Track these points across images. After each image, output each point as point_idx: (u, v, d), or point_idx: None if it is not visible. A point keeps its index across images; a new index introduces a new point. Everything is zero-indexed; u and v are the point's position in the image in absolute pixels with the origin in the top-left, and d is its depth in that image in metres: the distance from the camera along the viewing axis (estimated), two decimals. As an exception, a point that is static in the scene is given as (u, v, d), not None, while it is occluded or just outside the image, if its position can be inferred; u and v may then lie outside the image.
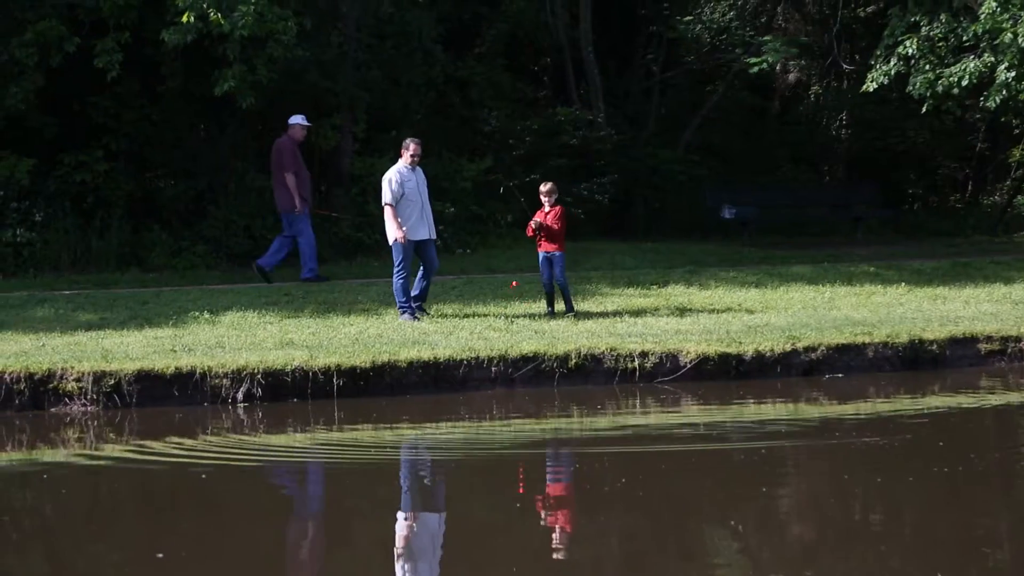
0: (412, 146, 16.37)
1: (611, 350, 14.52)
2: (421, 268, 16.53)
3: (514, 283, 17.72)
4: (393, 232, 16.11)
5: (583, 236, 24.63)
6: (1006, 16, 19.21)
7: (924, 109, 21.27)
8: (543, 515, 9.91)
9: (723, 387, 14.19)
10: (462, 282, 18.97)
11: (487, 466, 11.65)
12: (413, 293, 16.43)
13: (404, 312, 16.24)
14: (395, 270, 16.22)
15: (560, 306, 16.71)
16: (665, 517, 9.88)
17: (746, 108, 30.75)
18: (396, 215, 16.09)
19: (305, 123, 20.03)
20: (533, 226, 16.69)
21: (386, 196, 16.15)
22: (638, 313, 16.67)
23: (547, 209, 16.76)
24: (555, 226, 16.62)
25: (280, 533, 9.56)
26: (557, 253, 16.61)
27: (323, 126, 22.76)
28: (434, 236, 16.66)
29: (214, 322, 16.26)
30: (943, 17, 20.24)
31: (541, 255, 16.73)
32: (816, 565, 8.67)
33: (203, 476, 11.10)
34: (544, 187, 16.96)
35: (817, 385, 14.42)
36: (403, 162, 16.32)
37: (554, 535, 9.36)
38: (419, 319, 16.16)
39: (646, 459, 11.56)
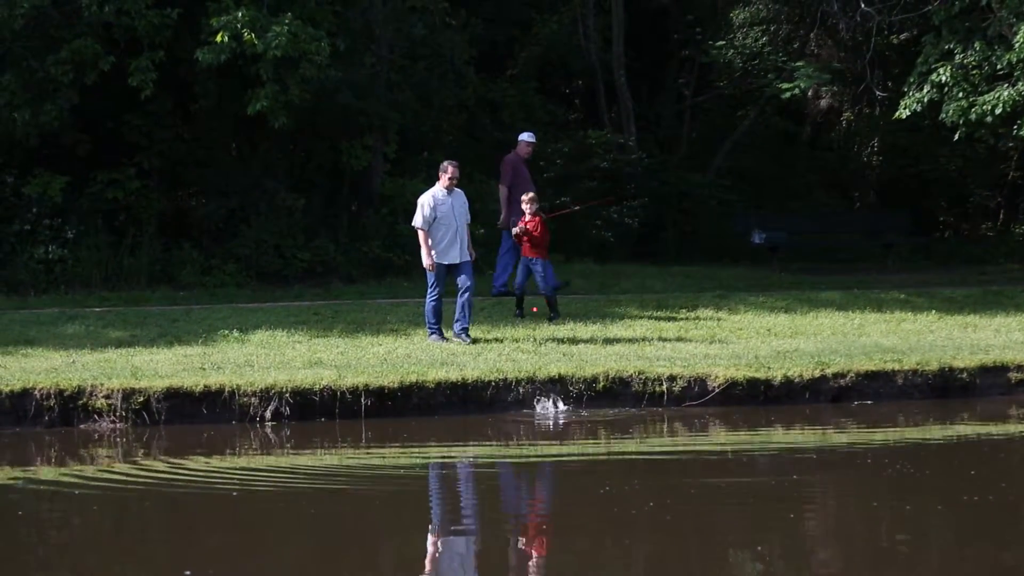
0: (451, 169, 16.24)
1: (639, 373, 14.49)
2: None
3: (535, 308, 17.73)
4: (424, 258, 16.05)
5: (612, 259, 24.64)
6: (1040, 45, 19.17)
7: (956, 137, 21.20)
8: (568, 538, 9.89)
9: (751, 412, 14.14)
10: (491, 303, 18.95)
11: (516, 487, 11.65)
12: (456, 318, 16.16)
13: (432, 333, 16.19)
14: (428, 291, 16.16)
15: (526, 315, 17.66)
16: (693, 543, 9.84)
17: (777, 133, 30.73)
18: (427, 239, 16.00)
19: (530, 139, 20.05)
20: (518, 230, 17.36)
21: (417, 220, 16.10)
22: (667, 337, 16.64)
23: (527, 217, 17.35)
24: (535, 232, 17.18)
25: (308, 553, 9.55)
26: (537, 260, 17.20)
27: (354, 147, 22.83)
28: (467, 258, 16.29)
29: (243, 340, 16.30)
30: (977, 45, 20.18)
31: (522, 260, 17.49)
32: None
33: (233, 494, 11.12)
34: (526, 196, 17.59)
35: (846, 412, 14.35)
36: (440, 185, 16.22)
37: (579, 559, 9.33)
38: (448, 340, 16.05)
39: (674, 484, 11.53)
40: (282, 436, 13.38)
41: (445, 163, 16.44)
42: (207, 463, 12.37)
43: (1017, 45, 19.36)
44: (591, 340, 16.32)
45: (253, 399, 13.78)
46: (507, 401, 14.25)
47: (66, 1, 20.26)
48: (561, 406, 14.18)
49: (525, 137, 19.90)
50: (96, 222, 21.64)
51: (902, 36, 27.72)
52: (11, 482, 11.69)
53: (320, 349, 15.76)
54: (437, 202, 16.09)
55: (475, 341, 16.16)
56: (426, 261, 15.98)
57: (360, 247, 22.56)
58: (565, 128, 28.98)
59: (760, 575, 8.96)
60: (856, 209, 31.25)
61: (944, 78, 20.28)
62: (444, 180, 16.19)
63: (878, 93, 26.23)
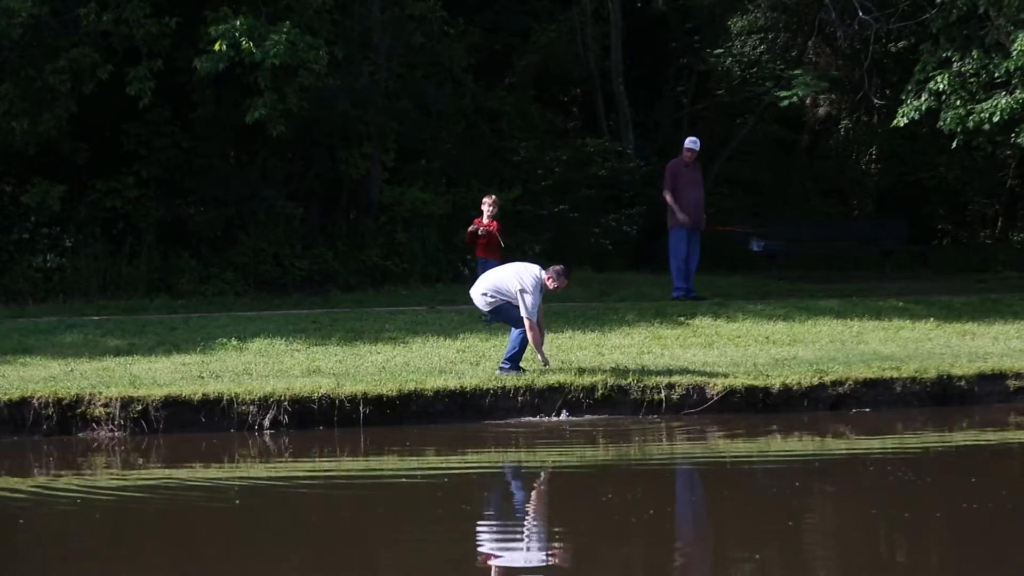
0: (564, 280, 14.72)
1: (637, 381, 14.50)
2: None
3: None
4: (540, 357, 14.70)
5: (611, 267, 24.63)
6: (1038, 53, 19.17)
7: (954, 144, 21.20)
8: (568, 545, 9.88)
9: (750, 420, 14.15)
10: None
11: (516, 494, 11.67)
12: (514, 351, 14.83)
13: (503, 368, 14.81)
14: (516, 329, 14.68)
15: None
16: (692, 551, 9.84)
17: (775, 141, 30.75)
18: (538, 334, 14.58)
19: (689, 145, 20.55)
20: (479, 231, 17.95)
21: (529, 308, 14.35)
22: (665, 344, 16.65)
23: (485, 221, 17.94)
24: (494, 234, 17.89)
25: (307, 562, 9.54)
26: (489, 261, 17.47)
27: (352, 155, 22.84)
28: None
29: (242, 349, 16.30)
30: (975, 53, 20.19)
31: (480, 262, 17.83)
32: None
33: (236, 502, 11.13)
34: (488, 199, 18.27)
35: (844, 419, 14.36)
36: (548, 282, 14.57)
37: (576, 567, 9.32)
38: (525, 371, 14.80)
39: (673, 492, 11.54)
40: (280, 444, 13.38)
41: (562, 270, 14.72)
42: (206, 472, 12.39)
43: (1015, 53, 19.36)
44: (589, 348, 16.33)
45: (251, 407, 13.78)
46: (506, 409, 14.27)
47: (64, 10, 20.25)
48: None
49: (685, 143, 20.62)
50: (94, 230, 21.62)
51: (900, 44, 27.75)
52: (10, 490, 11.68)
53: (318, 357, 15.76)
54: (535, 300, 14.49)
55: (469, 345, 16.22)
56: (544, 364, 14.73)
57: (358, 255, 22.56)
58: (563, 136, 29.02)
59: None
60: (854, 217, 31.27)
61: (942, 86, 20.28)
62: (551, 283, 14.59)
63: (876, 101, 26.26)
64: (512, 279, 14.54)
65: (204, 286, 21.41)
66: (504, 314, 14.75)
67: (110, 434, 13.57)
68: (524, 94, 27.90)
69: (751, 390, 14.53)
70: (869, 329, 17.89)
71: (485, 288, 14.76)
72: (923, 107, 20.65)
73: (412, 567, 9.44)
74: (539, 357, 14.65)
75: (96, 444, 13.40)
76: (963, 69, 20.35)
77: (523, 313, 14.37)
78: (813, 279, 24.33)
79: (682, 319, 18.32)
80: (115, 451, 13.18)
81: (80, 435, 13.60)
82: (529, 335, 14.45)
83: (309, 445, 13.27)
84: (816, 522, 10.67)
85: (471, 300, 15.27)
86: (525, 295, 14.37)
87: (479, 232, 17.93)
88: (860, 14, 23.47)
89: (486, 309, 14.90)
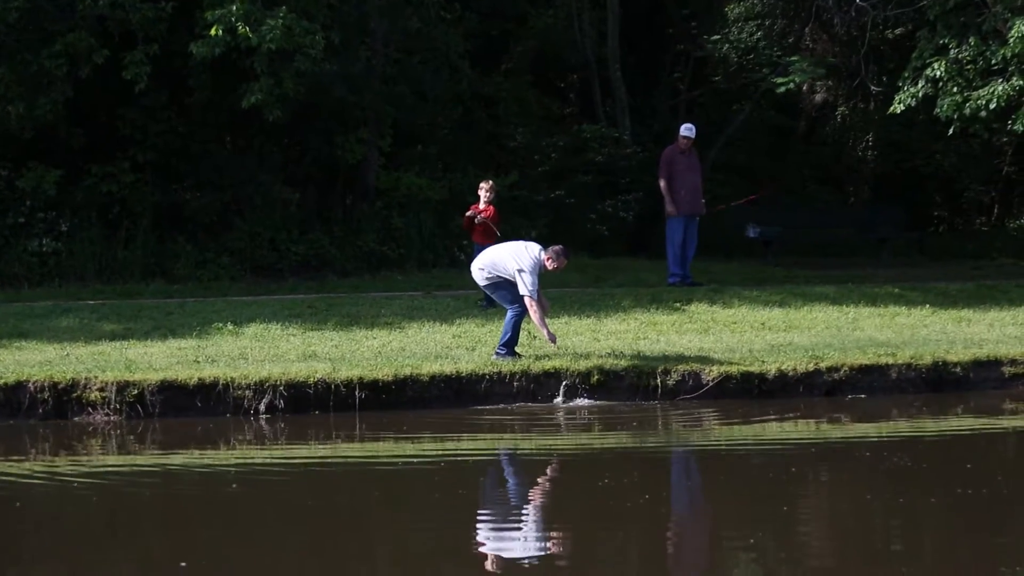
0: (563, 261, 14.57)
1: (633, 367, 14.51)
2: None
3: None
4: (545, 338, 14.61)
5: (607, 253, 24.63)
6: (1035, 40, 19.16)
7: (951, 131, 21.20)
8: (564, 530, 9.89)
9: (745, 406, 14.16)
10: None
11: (511, 479, 11.68)
12: (508, 336, 14.79)
13: (500, 354, 14.79)
14: (513, 309, 14.66)
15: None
16: (688, 536, 9.86)
17: (772, 128, 30.75)
18: (539, 311, 14.43)
19: (684, 132, 20.57)
20: (476, 218, 17.99)
21: (528, 286, 14.29)
22: (661, 330, 16.65)
23: (482, 206, 18.05)
24: (490, 220, 17.91)
25: (304, 545, 9.55)
26: (487, 246, 17.15)
27: (349, 140, 22.82)
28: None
29: (237, 334, 16.30)
30: (972, 40, 20.18)
31: (476, 247, 17.60)
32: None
33: (233, 486, 11.14)
34: (485, 184, 18.39)
35: (840, 405, 14.37)
36: (546, 261, 14.47)
37: (572, 552, 9.33)
38: (520, 355, 14.85)
39: (670, 477, 11.54)
40: (276, 429, 13.39)
41: (561, 251, 14.61)
42: (201, 456, 12.40)
43: (1011, 40, 19.35)
44: (585, 333, 16.33)
45: (247, 392, 13.79)
46: (502, 394, 14.28)
47: (61, -6, 20.25)
48: None
49: (681, 130, 20.62)
50: (90, 215, 21.61)
51: (897, 31, 27.72)
52: (6, 474, 11.69)
53: (314, 342, 15.77)
54: (536, 277, 14.46)
55: (465, 331, 16.26)
56: (552, 341, 14.55)
57: (354, 241, 22.55)
58: (560, 122, 29.00)
59: (755, 568, 8.97)
60: (850, 204, 31.29)
61: (939, 73, 20.27)
62: (550, 263, 14.47)
63: (873, 88, 26.24)
64: (509, 259, 14.55)
65: (200, 271, 21.41)
66: (501, 292, 14.77)
67: (106, 418, 13.57)
68: (521, 80, 27.88)
69: (747, 376, 14.54)
70: (865, 316, 17.91)
71: (483, 264, 14.81)
72: (920, 94, 20.64)
73: (408, 551, 9.45)
74: (544, 334, 14.54)
75: (92, 428, 13.41)
76: (960, 56, 20.34)
77: (523, 291, 14.35)
78: (809, 266, 24.35)
79: (678, 305, 18.32)
80: (111, 435, 13.19)
81: (76, 419, 13.60)
82: (531, 312, 14.39)
83: (305, 430, 13.28)
84: (811, 507, 10.69)
85: (467, 285, 15.36)
86: (523, 274, 14.35)
87: (476, 219, 17.97)
88: (857, 1, 23.44)
89: (484, 284, 14.92)
